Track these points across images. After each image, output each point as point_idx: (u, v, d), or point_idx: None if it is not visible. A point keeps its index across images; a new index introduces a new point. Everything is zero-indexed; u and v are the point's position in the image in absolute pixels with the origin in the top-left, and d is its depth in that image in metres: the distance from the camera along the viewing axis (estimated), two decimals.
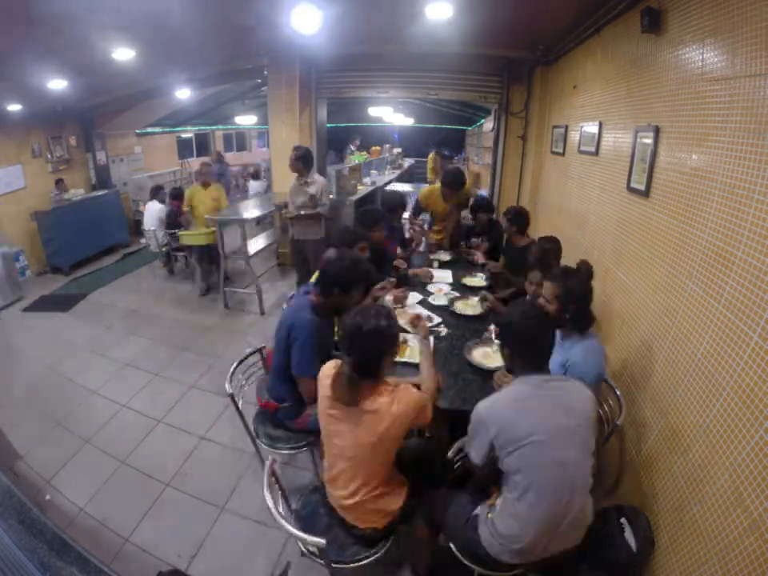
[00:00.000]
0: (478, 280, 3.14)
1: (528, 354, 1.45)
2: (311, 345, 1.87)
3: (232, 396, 1.95)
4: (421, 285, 3.02)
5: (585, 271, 1.92)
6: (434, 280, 3.10)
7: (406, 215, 4.01)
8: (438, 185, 3.81)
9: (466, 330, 2.42)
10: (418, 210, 4.01)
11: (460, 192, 3.72)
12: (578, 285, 1.81)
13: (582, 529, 1.39)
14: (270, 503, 1.37)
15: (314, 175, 3.97)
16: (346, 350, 1.45)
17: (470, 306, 2.65)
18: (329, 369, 1.54)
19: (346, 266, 1.92)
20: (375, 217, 2.98)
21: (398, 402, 1.42)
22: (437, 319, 2.47)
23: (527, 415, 1.33)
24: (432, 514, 1.64)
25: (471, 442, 1.44)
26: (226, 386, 1.96)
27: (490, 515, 1.42)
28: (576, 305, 1.78)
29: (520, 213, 3.23)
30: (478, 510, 1.49)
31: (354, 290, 1.96)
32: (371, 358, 1.44)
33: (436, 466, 1.77)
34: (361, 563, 1.50)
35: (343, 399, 1.44)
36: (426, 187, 4.22)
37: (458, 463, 1.68)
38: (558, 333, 1.91)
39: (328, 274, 1.93)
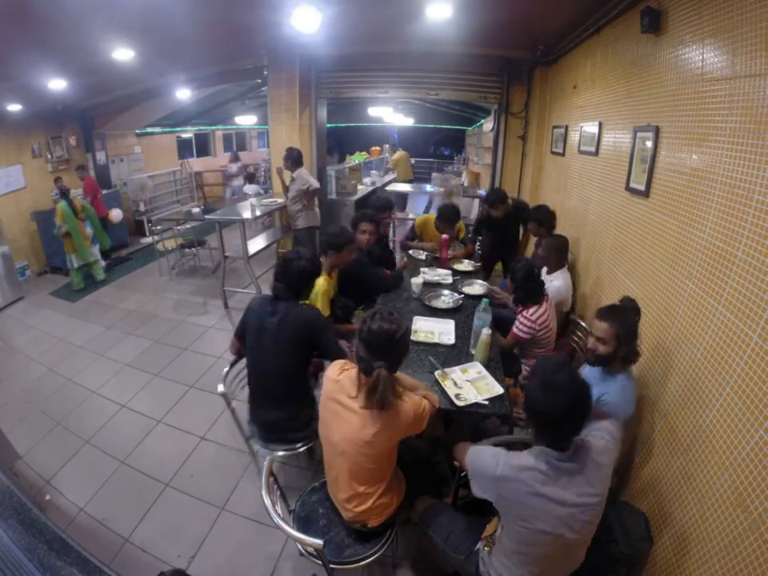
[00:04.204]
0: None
1: (551, 434, 1.22)
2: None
3: (225, 395, 1.93)
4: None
5: (633, 308, 1.83)
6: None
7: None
8: (433, 215, 3.82)
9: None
10: (412, 235, 3.94)
11: (453, 226, 3.68)
12: (633, 323, 1.74)
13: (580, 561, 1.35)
14: (268, 504, 1.37)
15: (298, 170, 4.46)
16: (376, 354, 1.38)
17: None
18: (337, 369, 1.53)
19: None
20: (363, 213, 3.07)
21: (407, 406, 1.43)
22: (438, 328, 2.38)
23: (539, 506, 1.19)
24: (430, 532, 1.59)
25: (475, 477, 1.34)
26: (219, 386, 1.93)
27: (487, 548, 1.40)
28: (630, 343, 1.72)
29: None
30: (479, 545, 1.45)
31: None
32: (401, 358, 1.49)
33: (437, 465, 1.77)
34: (358, 564, 1.50)
35: (380, 403, 1.37)
36: (422, 216, 4.22)
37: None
38: (598, 369, 1.81)
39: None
